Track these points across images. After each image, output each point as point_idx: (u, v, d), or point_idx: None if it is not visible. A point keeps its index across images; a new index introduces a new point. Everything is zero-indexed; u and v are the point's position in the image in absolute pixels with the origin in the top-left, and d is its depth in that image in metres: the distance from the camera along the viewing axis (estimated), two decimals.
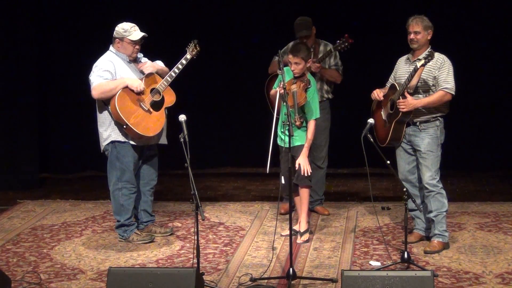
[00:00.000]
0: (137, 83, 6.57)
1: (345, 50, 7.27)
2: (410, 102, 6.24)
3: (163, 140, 6.87)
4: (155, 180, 6.98)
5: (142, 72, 6.75)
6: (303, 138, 6.68)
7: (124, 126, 6.55)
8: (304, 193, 6.76)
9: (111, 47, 6.74)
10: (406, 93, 6.27)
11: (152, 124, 6.63)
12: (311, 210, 7.48)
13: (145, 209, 6.97)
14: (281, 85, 6.16)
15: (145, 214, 6.99)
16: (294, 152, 6.57)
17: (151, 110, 6.64)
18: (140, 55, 6.84)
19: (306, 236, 6.75)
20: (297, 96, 6.47)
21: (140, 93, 6.58)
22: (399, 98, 6.30)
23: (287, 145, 6.47)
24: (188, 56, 6.78)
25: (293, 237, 6.63)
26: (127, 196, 6.74)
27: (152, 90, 6.67)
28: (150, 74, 6.74)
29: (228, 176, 9.49)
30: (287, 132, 6.17)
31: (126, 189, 6.73)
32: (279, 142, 6.78)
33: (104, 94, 6.55)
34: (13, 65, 8.98)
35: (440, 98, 6.27)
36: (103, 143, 6.74)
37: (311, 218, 7.39)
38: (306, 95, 6.55)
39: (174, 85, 6.83)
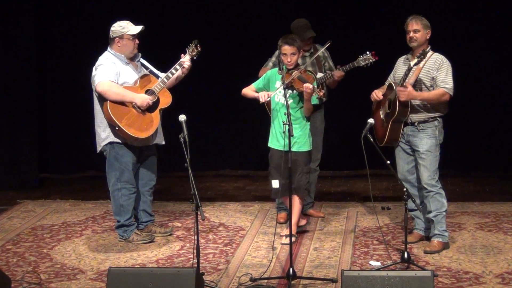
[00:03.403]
0: (146, 102, 6.56)
1: (368, 67, 7.18)
2: (410, 92, 6.21)
3: (161, 140, 6.84)
4: (154, 180, 6.98)
5: (148, 69, 6.78)
6: (301, 143, 6.66)
7: (116, 128, 6.54)
8: (297, 202, 6.71)
9: (109, 49, 6.72)
10: (407, 84, 6.24)
11: (145, 126, 6.60)
12: (304, 214, 7.48)
13: (145, 209, 6.97)
14: (283, 81, 6.18)
15: (144, 214, 6.99)
16: (296, 156, 6.57)
17: (145, 111, 6.63)
18: (138, 54, 6.82)
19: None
20: (303, 76, 6.49)
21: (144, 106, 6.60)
22: (395, 98, 6.31)
23: (283, 148, 6.46)
24: (188, 56, 6.77)
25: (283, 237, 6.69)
26: (127, 197, 6.74)
27: (147, 91, 6.66)
28: (146, 74, 6.73)
29: (228, 176, 9.49)
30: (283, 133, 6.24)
31: (126, 189, 6.73)
32: (273, 144, 6.71)
33: (108, 93, 6.50)
34: (13, 65, 8.99)
35: (439, 96, 6.26)
36: (101, 144, 6.73)
37: (311, 219, 7.41)
38: (311, 75, 6.56)
39: (174, 86, 6.83)
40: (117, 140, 6.66)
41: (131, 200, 6.77)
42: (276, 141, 6.68)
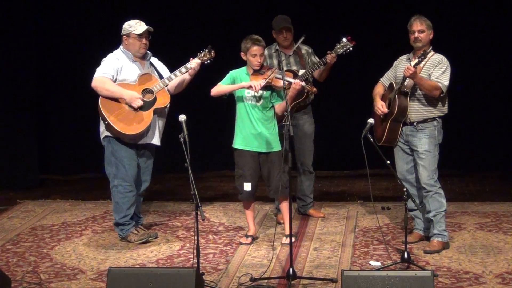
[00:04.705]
0: (135, 100, 6.53)
1: (347, 53, 7.03)
2: (415, 72, 6.16)
3: (151, 139, 6.78)
4: (148, 182, 6.94)
5: (155, 68, 6.79)
6: (275, 143, 6.65)
7: (106, 122, 6.57)
8: (285, 204, 6.68)
9: (120, 46, 6.77)
10: (418, 67, 6.21)
11: (135, 123, 6.58)
12: (304, 214, 7.47)
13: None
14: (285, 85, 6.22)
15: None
16: (272, 157, 6.61)
17: (137, 109, 6.60)
18: (148, 53, 6.82)
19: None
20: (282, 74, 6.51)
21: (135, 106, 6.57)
22: (395, 97, 6.32)
23: (259, 149, 6.56)
24: (197, 60, 6.74)
25: (283, 238, 6.69)
26: (122, 194, 6.72)
27: (144, 89, 6.66)
28: (146, 73, 6.73)
29: (228, 176, 9.48)
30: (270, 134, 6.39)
31: (122, 187, 6.71)
32: (243, 146, 6.64)
33: (99, 89, 6.56)
34: (13, 65, 8.99)
35: (432, 87, 6.25)
36: (101, 137, 6.77)
37: (311, 219, 7.42)
38: (290, 73, 6.54)
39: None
40: (112, 135, 6.67)
41: (127, 199, 6.74)
42: (247, 142, 6.64)
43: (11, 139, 9.09)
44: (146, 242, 6.78)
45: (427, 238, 6.58)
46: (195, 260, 5.56)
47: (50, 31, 9.28)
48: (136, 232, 6.82)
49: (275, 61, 7.15)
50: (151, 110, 6.65)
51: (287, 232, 6.69)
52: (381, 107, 6.46)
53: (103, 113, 6.54)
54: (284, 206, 6.66)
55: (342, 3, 8.99)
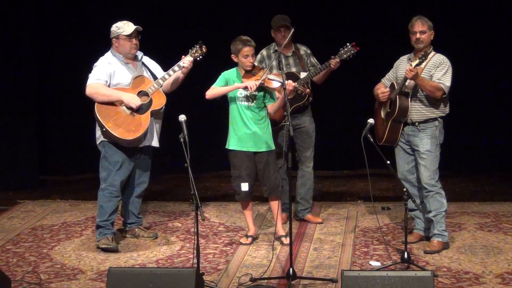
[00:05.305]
0: (133, 101, 6.51)
1: (350, 59, 7.05)
2: (417, 73, 6.18)
3: (151, 142, 6.77)
4: (146, 183, 6.93)
5: (147, 68, 6.77)
6: (270, 142, 6.68)
7: (104, 129, 6.53)
8: (275, 204, 6.69)
9: (111, 49, 6.73)
10: (419, 68, 6.22)
11: (133, 127, 6.55)
12: (301, 220, 7.43)
13: (131, 211, 6.94)
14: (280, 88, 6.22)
15: (131, 215, 6.95)
16: (267, 156, 6.65)
17: (134, 113, 6.58)
18: (140, 53, 6.81)
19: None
20: (274, 75, 6.50)
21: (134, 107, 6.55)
22: (396, 97, 6.32)
23: (259, 149, 6.59)
24: (189, 57, 6.73)
25: (282, 239, 6.68)
26: (107, 199, 6.68)
27: (139, 92, 6.63)
28: (139, 75, 6.69)
29: (228, 177, 9.46)
30: (262, 135, 6.44)
31: (108, 191, 6.67)
32: (239, 147, 6.65)
33: (95, 95, 6.52)
34: (13, 66, 8.99)
35: (434, 88, 6.26)
36: (97, 142, 6.76)
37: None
38: (280, 74, 6.59)
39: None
40: (108, 140, 6.65)
41: (111, 203, 6.69)
42: (242, 143, 6.65)
43: (11, 139, 9.08)
44: (110, 251, 6.60)
45: (427, 238, 6.58)
46: (195, 260, 5.56)
47: (50, 32, 9.28)
48: (109, 239, 6.69)
49: (274, 62, 7.14)
50: (148, 112, 6.61)
51: (280, 233, 6.69)
52: (381, 93, 6.46)
53: (100, 120, 6.49)
54: (277, 205, 6.64)
55: (342, 3, 8.99)
